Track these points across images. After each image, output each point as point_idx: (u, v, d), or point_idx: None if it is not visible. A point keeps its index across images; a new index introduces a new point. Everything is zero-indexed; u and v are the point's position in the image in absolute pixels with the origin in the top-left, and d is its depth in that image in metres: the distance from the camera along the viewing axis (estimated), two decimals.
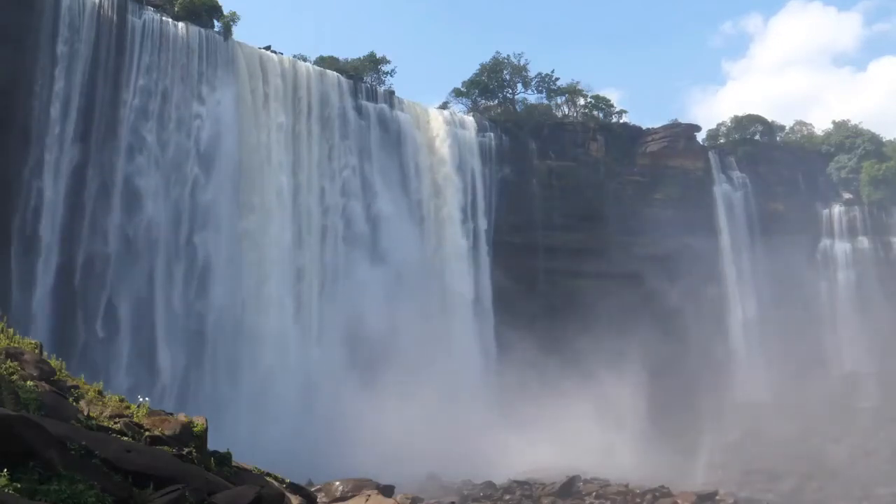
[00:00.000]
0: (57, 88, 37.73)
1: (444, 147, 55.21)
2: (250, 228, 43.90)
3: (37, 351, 13.98)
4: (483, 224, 55.78)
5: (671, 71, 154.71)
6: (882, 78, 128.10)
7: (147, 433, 11.94)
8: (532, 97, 68.22)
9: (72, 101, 38.24)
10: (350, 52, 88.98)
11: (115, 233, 38.62)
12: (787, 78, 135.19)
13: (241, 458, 14.49)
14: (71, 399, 12.19)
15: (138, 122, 40.61)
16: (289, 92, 47.69)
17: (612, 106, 69.29)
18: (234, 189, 43.59)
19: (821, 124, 79.31)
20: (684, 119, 76.49)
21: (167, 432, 12.20)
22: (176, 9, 44.98)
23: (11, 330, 14.52)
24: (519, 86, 67.61)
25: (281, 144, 46.22)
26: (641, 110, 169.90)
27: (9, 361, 11.79)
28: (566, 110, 68.81)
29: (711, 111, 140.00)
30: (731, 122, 73.54)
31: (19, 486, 7.59)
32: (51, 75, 37.73)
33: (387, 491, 23.81)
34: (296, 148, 47.21)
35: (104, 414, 11.96)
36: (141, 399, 13.56)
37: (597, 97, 69.33)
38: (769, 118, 74.50)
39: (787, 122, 77.02)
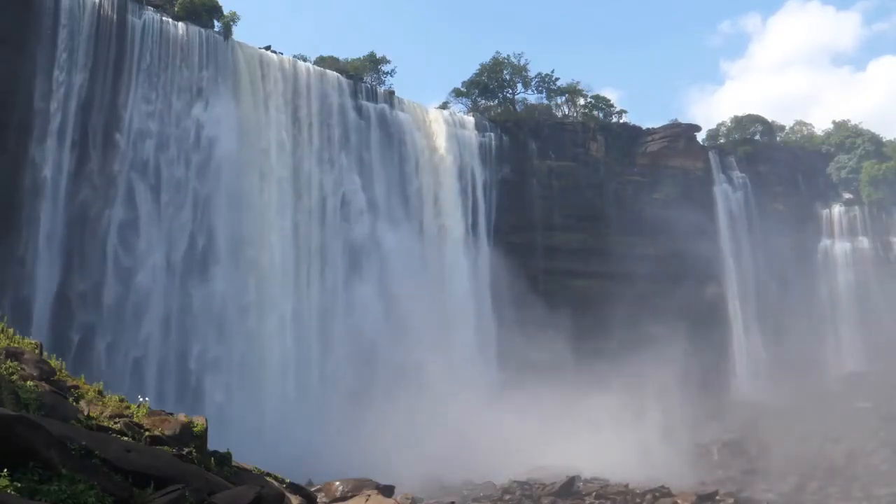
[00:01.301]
0: (56, 89, 37.66)
1: (444, 147, 55.22)
2: (251, 230, 43.87)
3: (37, 351, 13.98)
4: (483, 224, 55.79)
5: (669, 70, 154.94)
6: (881, 77, 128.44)
7: (147, 433, 11.94)
8: (532, 97, 68.35)
9: (71, 102, 38.19)
10: (350, 52, 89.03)
11: (115, 233, 38.66)
12: (785, 77, 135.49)
13: (241, 459, 14.49)
14: (71, 399, 12.19)
15: (138, 121, 40.61)
16: (289, 92, 47.67)
17: (612, 106, 69.37)
18: (234, 189, 43.57)
19: (820, 124, 79.64)
20: (682, 119, 76.69)
21: (167, 432, 12.21)
22: (176, 9, 44.98)
23: (11, 330, 14.51)
24: (519, 86, 67.67)
25: (281, 145, 46.21)
26: (640, 110, 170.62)
27: (9, 361, 11.79)
28: (566, 110, 68.84)
29: (709, 111, 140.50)
30: (731, 122, 73.63)
31: (19, 486, 7.59)
32: (50, 76, 37.68)
33: (387, 491, 23.79)
34: (296, 148, 47.18)
35: (104, 414, 11.96)
36: (141, 399, 13.56)
37: (597, 97, 69.42)
38: (768, 118, 74.65)
39: (787, 122, 77.31)
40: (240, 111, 44.77)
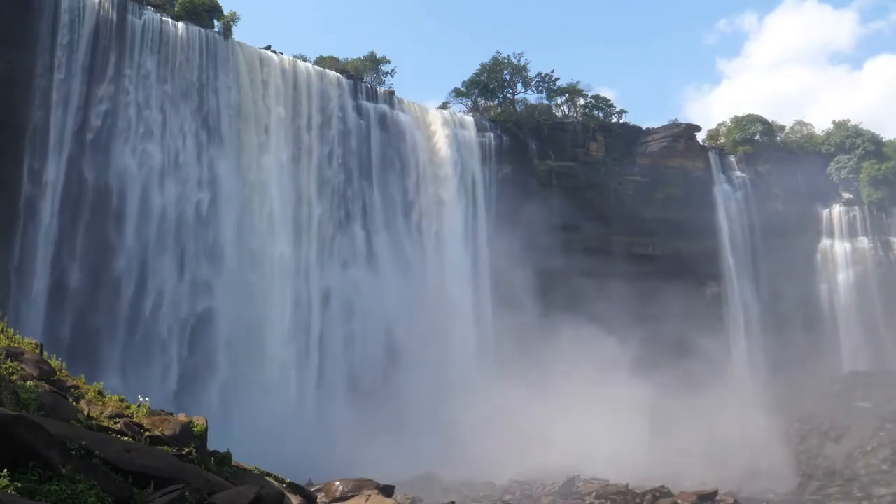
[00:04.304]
0: (56, 89, 37.66)
1: (444, 147, 55.22)
2: (251, 229, 43.85)
3: (37, 351, 13.99)
4: (483, 224, 55.77)
5: (665, 69, 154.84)
6: (878, 76, 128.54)
7: (147, 433, 11.96)
8: (532, 97, 68.30)
9: (71, 102, 38.19)
10: (350, 52, 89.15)
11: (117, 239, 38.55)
12: (782, 76, 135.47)
13: (240, 459, 14.50)
14: (71, 399, 12.20)
15: (138, 121, 40.58)
16: (289, 92, 47.69)
17: (611, 106, 69.32)
18: (234, 188, 43.58)
19: (818, 123, 79.45)
20: (679, 117, 76.56)
21: (167, 432, 12.22)
22: (176, 9, 45.00)
23: (11, 330, 14.53)
24: (519, 86, 67.66)
25: (281, 145, 46.23)
26: (635, 108, 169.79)
27: (9, 361, 11.80)
28: (566, 110, 68.81)
29: (706, 110, 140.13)
30: (731, 121, 73.50)
31: (19, 485, 7.59)
32: (50, 76, 37.67)
33: (387, 491, 23.72)
34: (296, 148, 47.20)
35: (104, 414, 11.96)
36: (141, 399, 13.57)
37: (597, 97, 69.40)
38: (765, 117, 74.47)
39: (784, 121, 77.03)
40: (239, 111, 44.78)
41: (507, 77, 66.99)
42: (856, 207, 67.60)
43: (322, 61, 55.66)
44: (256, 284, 43.05)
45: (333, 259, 47.44)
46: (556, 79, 68.20)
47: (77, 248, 37.25)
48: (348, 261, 47.83)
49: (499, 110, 65.18)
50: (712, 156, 68.19)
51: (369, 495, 21.08)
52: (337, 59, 58.11)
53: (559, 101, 68.70)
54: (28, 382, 11.35)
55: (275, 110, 46.48)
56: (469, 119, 60.14)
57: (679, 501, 34.97)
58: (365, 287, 47.08)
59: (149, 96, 41.17)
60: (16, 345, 13.56)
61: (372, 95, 53.61)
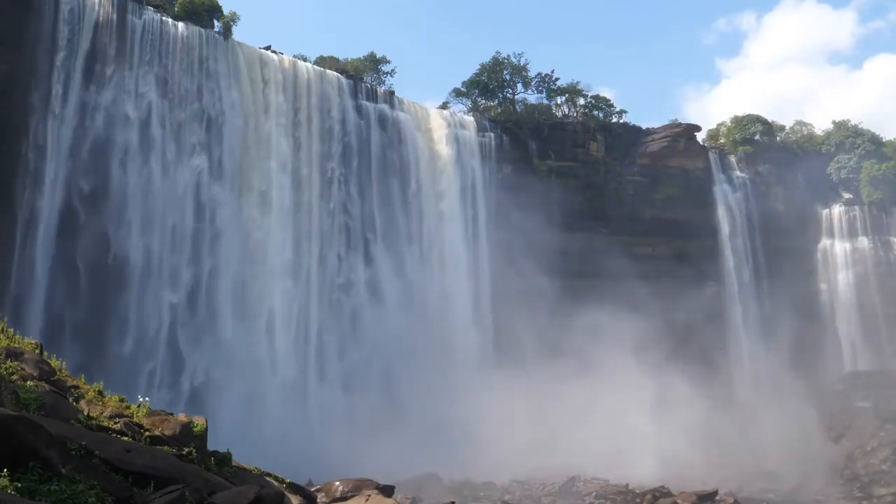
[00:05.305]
0: (56, 89, 37.63)
1: (444, 147, 55.21)
2: (252, 230, 43.85)
3: (37, 351, 13.99)
4: (483, 224, 55.77)
5: (664, 69, 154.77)
6: (878, 76, 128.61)
7: (147, 433, 11.96)
8: (532, 97, 68.26)
9: (70, 102, 38.15)
10: (350, 52, 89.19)
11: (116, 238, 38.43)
12: (781, 76, 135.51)
13: (240, 459, 14.51)
14: (71, 399, 12.20)
15: (138, 121, 40.53)
16: (289, 92, 47.67)
17: (611, 106, 69.30)
18: (235, 187, 43.60)
19: (817, 122, 79.40)
20: (678, 117, 76.41)
21: (167, 432, 12.23)
22: (176, 9, 44.99)
23: (11, 330, 14.53)
24: (519, 86, 67.63)
25: (282, 145, 46.23)
26: (634, 108, 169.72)
27: (9, 361, 11.80)
28: (566, 110, 68.78)
29: (705, 109, 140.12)
30: (731, 121, 73.49)
31: (19, 485, 7.59)
32: (50, 76, 37.65)
33: (387, 491, 23.72)
34: (296, 148, 47.20)
35: (104, 414, 11.97)
36: (141, 399, 13.58)
37: (597, 97, 69.39)
38: (764, 116, 74.44)
39: (783, 120, 77.08)
40: (240, 111, 44.76)
41: (507, 77, 66.96)
42: (856, 207, 67.60)
43: (322, 61, 55.64)
44: (256, 279, 43.03)
45: (332, 258, 47.38)
46: (556, 79, 68.24)
47: (77, 249, 37.06)
48: (347, 261, 47.79)
49: (499, 110, 65.15)
50: (712, 156, 68.21)
51: (369, 495, 21.08)
52: (337, 59, 58.11)
53: (559, 101, 68.72)
54: (28, 382, 11.36)
55: (274, 110, 46.37)
56: (469, 119, 60.13)
57: (679, 501, 34.96)
58: (365, 291, 47.08)
59: (148, 96, 41.08)
60: (16, 345, 13.56)
61: (372, 95, 53.58)
